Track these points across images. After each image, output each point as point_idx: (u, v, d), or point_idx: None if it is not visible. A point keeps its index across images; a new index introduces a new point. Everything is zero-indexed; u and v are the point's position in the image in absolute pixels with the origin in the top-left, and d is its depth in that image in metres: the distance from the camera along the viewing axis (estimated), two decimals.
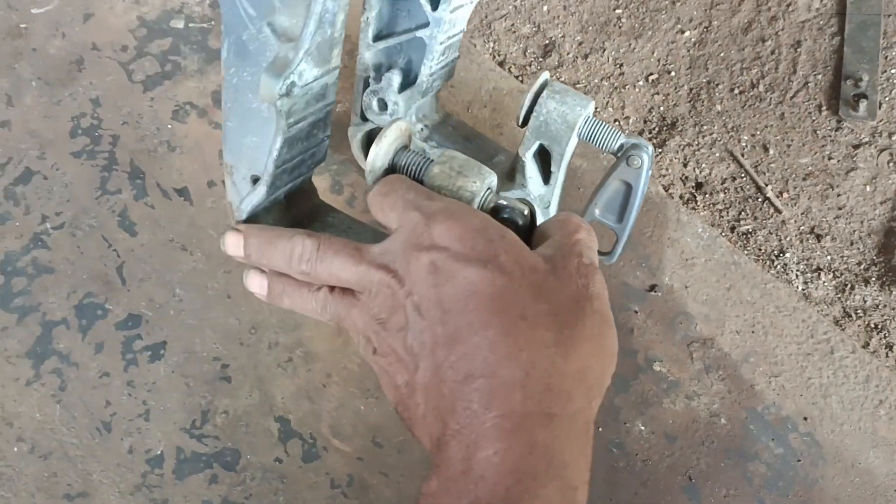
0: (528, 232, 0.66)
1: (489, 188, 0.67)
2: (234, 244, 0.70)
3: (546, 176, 0.85)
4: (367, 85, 0.99)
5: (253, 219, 0.75)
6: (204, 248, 1.13)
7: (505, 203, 0.65)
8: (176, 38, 1.27)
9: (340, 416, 1.03)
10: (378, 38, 0.92)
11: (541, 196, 0.84)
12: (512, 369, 0.51)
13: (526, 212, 0.65)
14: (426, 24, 0.85)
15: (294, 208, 0.79)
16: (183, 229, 1.14)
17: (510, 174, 0.91)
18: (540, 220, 0.82)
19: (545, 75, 0.83)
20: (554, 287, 0.54)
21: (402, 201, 0.60)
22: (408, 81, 0.96)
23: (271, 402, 1.04)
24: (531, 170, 0.84)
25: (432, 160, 0.66)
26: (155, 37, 1.27)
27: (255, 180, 0.73)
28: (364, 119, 1.04)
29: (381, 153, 0.69)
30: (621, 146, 0.81)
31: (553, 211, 0.85)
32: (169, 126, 1.20)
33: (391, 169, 0.70)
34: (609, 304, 0.58)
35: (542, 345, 0.52)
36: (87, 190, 1.15)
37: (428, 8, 0.84)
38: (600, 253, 0.84)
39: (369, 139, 0.99)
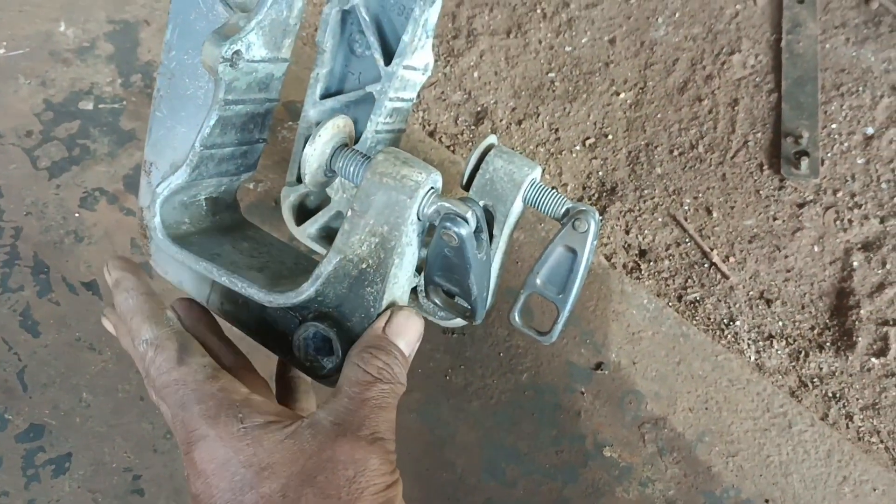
0: (481, 232, 0.64)
1: (433, 188, 0.64)
2: (109, 276, 0.70)
3: (488, 241, 0.79)
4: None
5: (168, 212, 0.69)
6: (114, 346, 1.04)
7: (449, 207, 0.61)
8: (85, 121, 1.20)
9: None
10: (326, 95, 0.87)
11: None
12: None
13: (471, 219, 0.62)
14: (377, 80, 0.82)
15: (216, 216, 0.74)
16: (91, 327, 1.06)
17: None
18: None
19: (493, 138, 0.78)
20: None
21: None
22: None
23: None
24: None
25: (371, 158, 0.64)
26: (62, 120, 1.20)
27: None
28: (299, 181, 0.98)
29: (316, 152, 0.66)
30: (567, 211, 0.75)
31: (492, 277, 0.78)
32: (76, 215, 1.13)
33: (328, 168, 0.68)
34: (388, 481, 0.55)
35: None
36: None
37: (381, 62, 0.80)
38: (539, 333, 0.77)
39: (302, 206, 0.94)
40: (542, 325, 0.76)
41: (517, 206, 0.76)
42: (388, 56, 0.81)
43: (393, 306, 0.66)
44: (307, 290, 0.64)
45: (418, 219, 0.65)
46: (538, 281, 0.77)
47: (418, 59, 0.83)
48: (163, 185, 0.68)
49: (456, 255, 0.65)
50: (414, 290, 0.76)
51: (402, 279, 0.67)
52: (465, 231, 0.62)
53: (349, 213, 0.65)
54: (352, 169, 0.67)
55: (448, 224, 0.62)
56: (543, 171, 1.25)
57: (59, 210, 1.13)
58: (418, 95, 1.29)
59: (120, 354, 1.04)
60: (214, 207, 0.75)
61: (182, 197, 0.70)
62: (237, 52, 0.62)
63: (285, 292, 0.66)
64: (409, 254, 0.66)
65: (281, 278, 0.71)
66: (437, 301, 0.75)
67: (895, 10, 1.39)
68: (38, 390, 1.02)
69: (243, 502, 0.53)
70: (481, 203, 0.76)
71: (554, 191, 0.76)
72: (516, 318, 0.79)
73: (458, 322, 0.78)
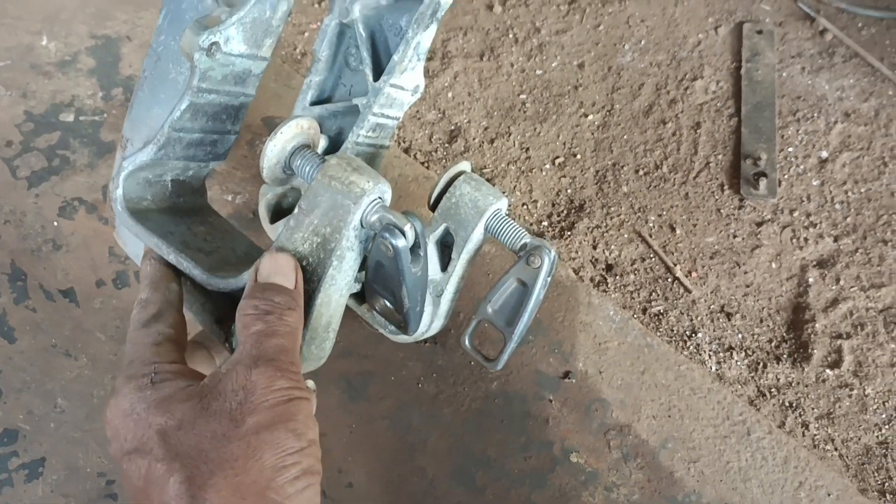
0: (419, 248, 0.66)
1: (380, 197, 0.66)
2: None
3: (445, 263, 0.81)
4: None
5: (131, 187, 0.72)
6: (90, 352, 1.06)
7: (389, 218, 0.64)
8: (65, 132, 1.22)
9: None
10: (316, 102, 0.90)
11: (436, 283, 0.80)
12: None
13: (409, 233, 0.64)
14: (364, 94, 0.85)
15: (179, 197, 0.77)
16: (67, 333, 1.07)
17: None
18: (429, 307, 0.78)
19: (466, 164, 0.80)
20: (199, 435, 0.55)
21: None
22: (333, 148, 0.93)
23: None
24: (431, 253, 0.81)
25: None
26: (42, 131, 1.21)
27: None
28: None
29: (276, 148, 0.68)
30: (524, 245, 0.78)
31: (446, 300, 0.81)
32: (55, 224, 1.14)
33: (287, 166, 0.70)
34: (285, 398, 0.57)
35: None
36: None
37: (370, 77, 0.83)
38: (486, 359, 0.80)
39: (278, 205, 0.96)
40: (494, 349, 0.79)
41: (478, 233, 0.79)
42: (379, 73, 0.84)
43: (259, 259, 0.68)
44: (246, 278, 0.67)
45: (361, 225, 0.68)
46: (489, 309, 0.80)
47: (408, 79, 0.86)
48: (128, 160, 0.70)
49: (391, 266, 0.68)
50: (361, 297, 0.79)
51: (340, 282, 0.69)
52: (401, 244, 0.64)
53: (296, 209, 0.67)
54: (307, 169, 0.70)
55: (386, 234, 0.64)
56: (514, 188, 1.30)
57: (38, 219, 1.14)
58: None
59: (95, 360, 1.05)
60: (179, 189, 0.77)
61: (147, 174, 0.72)
62: (215, 44, 0.64)
63: (226, 278, 0.68)
64: (349, 258, 0.69)
65: (227, 264, 0.73)
66: (375, 307, 0.78)
67: (848, 41, 1.46)
68: (13, 395, 1.02)
69: (143, 441, 0.55)
70: (443, 225, 0.79)
71: (515, 225, 0.79)
72: (466, 343, 0.82)
73: (407, 338, 0.81)
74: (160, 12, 0.70)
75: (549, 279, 0.78)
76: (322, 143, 0.93)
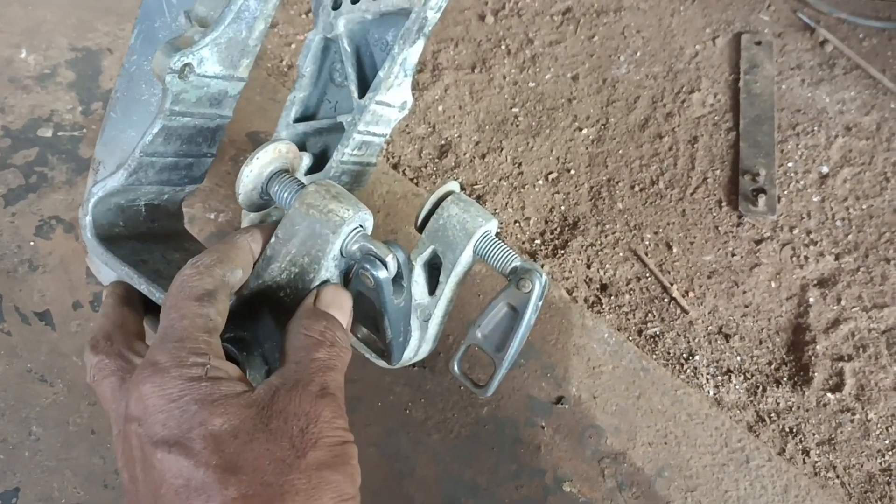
0: (402, 279, 0.64)
1: (361, 226, 0.64)
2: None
3: (433, 287, 0.78)
4: None
5: (102, 213, 0.68)
6: (66, 378, 1.02)
7: (370, 248, 0.61)
8: (43, 148, 1.18)
9: None
10: (300, 119, 0.87)
11: (423, 307, 0.77)
12: None
13: (391, 264, 0.62)
14: (350, 111, 0.82)
15: (154, 223, 0.73)
16: (43, 358, 1.03)
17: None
18: (416, 332, 0.75)
19: (454, 184, 0.77)
20: (257, 451, 0.50)
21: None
22: (318, 167, 0.90)
23: None
24: (418, 276, 0.78)
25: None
26: (20, 147, 1.18)
27: None
28: None
29: (252, 174, 0.65)
30: (514, 269, 0.75)
31: (434, 324, 0.78)
32: (31, 243, 1.11)
33: (264, 192, 0.67)
34: (343, 439, 0.54)
35: None
36: None
37: (356, 94, 0.80)
38: (476, 385, 0.77)
39: (262, 223, 0.93)
40: (484, 373, 0.76)
41: (466, 256, 0.75)
42: (365, 89, 0.81)
43: (320, 285, 0.65)
44: None
45: (342, 255, 0.64)
46: (479, 334, 0.77)
47: (394, 96, 0.83)
48: (98, 186, 0.67)
49: (373, 296, 0.65)
50: None
51: None
52: (382, 275, 0.62)
53: (272, 239, 0.64)
54: (285, 195, 0.67)
55: (367, 266, 0.61)
56: (507, 204, 1.26)
57: (14, 238, 1.11)
58: None
59: (71, 386, 1.02)
60: (154, 214, 0.74)
61: (119, 200, 0.69)
62: (188, 65, 0.61)
63: None
64: None
65: None
66: (357, 335, 0.75)
67: (849, 52, 1.43)
68: None
69: (190, 437, 0.50)
70: (430, 248, 0.76)
71: (506, 247, 0.76)
72: (455, 368, 0.79)
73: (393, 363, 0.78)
74: (133, 31, 0.67)
75: (539, 304, 0.75)
76: (306, 162, 0.90)
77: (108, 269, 0.72)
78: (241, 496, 0.48)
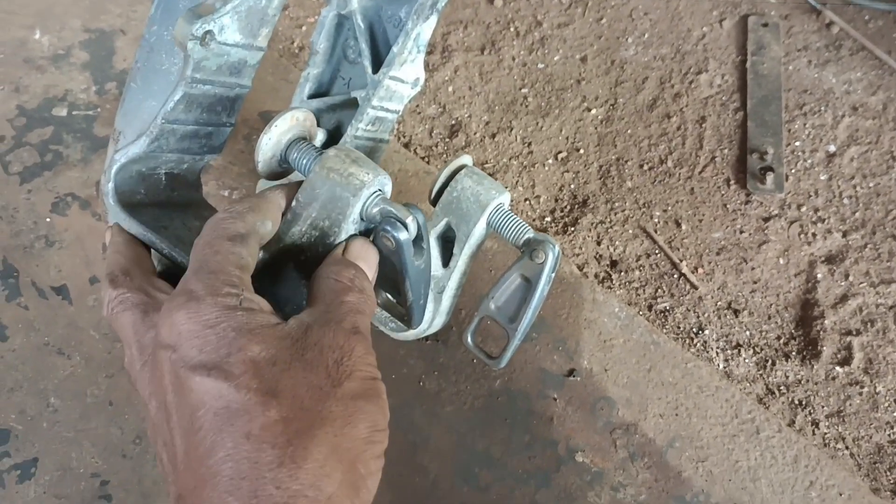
0: (422, 241, 0.65)
1: (380, 190, 0.64)
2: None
3: (447, 259, 0.79)
4: None
5: (124, 180, 0.69)
6: (83, 350, 1.03)
7: (390, 210, 0.62)
8: (58, 127, 1.19)
9: None
10: (313, 96, 0.88)
11: (437, 279, 0.78)
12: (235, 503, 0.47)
13: (411, 225, 0.62)
14: (363, 87, 0.83)
15: (174, 191, 0.74)
16: (60, 331, 1.04)
17: None
18: (430, 304, 0.76)
19: (467, 158, 0.78)
20: (294, 378, 0.51)
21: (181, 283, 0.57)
22: (331, 143, 0.91)
23: None
24: (432, 248, 0.79)
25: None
26: (35, 126, 1.19)
27: None
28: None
29: (271, 142, 0.67)
30: (528, 240, 0.76)
31: (448, 296, 0.78)
32: (47, 220, 1.12)
33: (283, 160, 0.68)
34: (374, 375, 0.55)
35: (266, 467, 0.47)
36: None
37: (369, 69, 0.81)
38: (489, 357, 0.78)
39: None
40: (497, 346, 0.77)
41: (480, 228, 0.76)
42: (378, 65, 0.82)
43: (349, 238, 0.66)
44: None
45: (362, 218, 0.65)
46: (492, 306, 0.78)
47: (407, 72, 0.84)
48: (121, 153, 0.68)
49: (393, 259, 0.66)
50: None
51: None
52: (403, 236, 0.62)
53: (293, 203, 0.65)
54: (304, 162, 0.68)
55: (388, 227, 0.62)
56: (517, 183, 1.27)
57: (30, 215, 1.12)
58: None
59: (89, 358, 1.03)
60: (174, 183, 0.75)
61: (140, 167, 0.70)
62: (209, 32, 0.62)
63: None
64: None
65: None
66: (377, 301, 0.76)
67: (855, 34, 1.44)
68: (5, 395, 1.00)
69: (229, 362, 0.50)
70: (444, 220, 0.77)
71: (518, 219, 0.77)
72: (468, 340, 0.80)
73: (408, 335, 0.78)
74: (153, 1, 0.67)
75: (552, 275, 0.76)
76: (320, 137, 0.91)
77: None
78: (281, 419, 0.49)
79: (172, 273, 0.71)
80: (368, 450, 0.52)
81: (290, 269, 0.66)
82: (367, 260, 0.63)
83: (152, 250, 0.71)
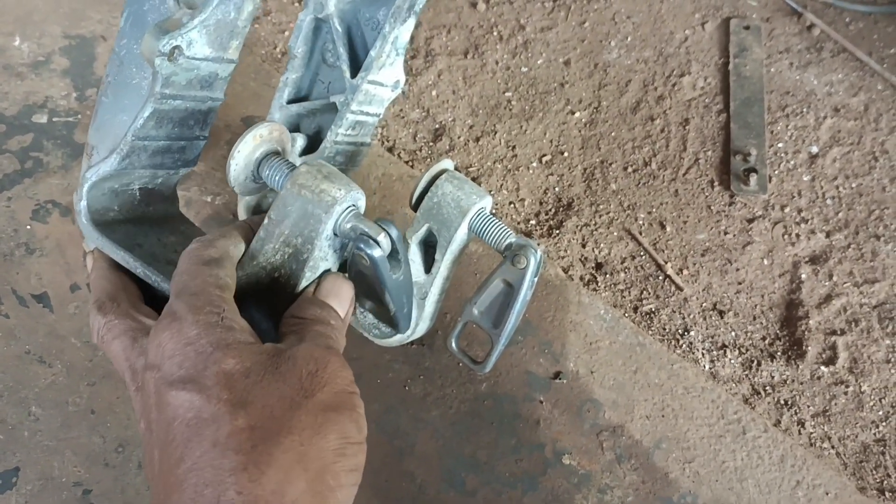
0: (397, 254, 0.65)
1: (353, 205, 0.64)
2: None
3: (429, 265, 0.78)
4: None
5: (97, 198, 0.69)
6: (65, 359, 1.02)
7: (362, 228, 0.62)
8: (38, 134, 1.18)
9: None
10: (293, 100, 0.88)
11: (419, 285, 0.77)
12: None
13: (383, 242, 0.62)
14: (342, 91, 0.82)
15: (149, 206, 0.74)
16: (41, 339, 1.03)
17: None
18: (414, 310, 0.76)
19: (448, 162, 0.77)
20: (267, 389, 0.52)
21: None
22: (312, 148, 0.91)
23: None
24: (414, 254, 0.78)
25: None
26: (15, 133, 1.18)
27: None
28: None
29: (238, 167, 0.66)
30: (510, 245, 0.75)
31: (431, 302, 0.78)
32: (28, 227, 1.10)
33: (257, 177, 0.68)
34: (349, 389, 0.56)
35: (229, 472, 0.48)
36: None
37: (348, 74, 0.80)
38: (473, 362, 0.78)
39: (258, 207, 0.93)
40: (481, 351, 0.77)
41: (461, 233, 0.76)
42: (357, 69, 0.81)
43: (322, 274, 0.66)
44: None
45: (335, 234, 0.65)
46: (476, 311, 0.77)
47: (386, 75, 0.83)
48: (92, 171, 0.67)
49: (371, 274, 0.65)
50: None
51: None
52: (377, 253, 0.62)
53: (265, 220, 0.65)
54: (277, 178, 0.68)
55: (361, 245, 0.62)
56: (501, 186, 1.27)
57: (10, 222, 1.11)
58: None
59: (70, 367, 1.02)
60: (148, 198, 0.74)
61: (113, 184, 0.69)
62: (177, 48, 0.61)
63: None
64: (322, 268, 0.66)
65: None
66: (364, 307, 0.76)
67: (836, 36, 1.45)
68: None
69: (204, 375, 0.51)
70: (426, 226, 0.76)
71: (500, 224, 0.76)
72: (453, 345, 0.80)
73: (392, 341, 0.78)
74: (122, 14, 0.67)
75: (535, 279, 0.75)
76: (300, 143, 0.90)
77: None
78: (248, 427, 0.50)
79: (158, 296, 0.71)
80: (339, 462, 0.53)
81: (265, 289, 0.66)
82: (339, 296, 0.65)
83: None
